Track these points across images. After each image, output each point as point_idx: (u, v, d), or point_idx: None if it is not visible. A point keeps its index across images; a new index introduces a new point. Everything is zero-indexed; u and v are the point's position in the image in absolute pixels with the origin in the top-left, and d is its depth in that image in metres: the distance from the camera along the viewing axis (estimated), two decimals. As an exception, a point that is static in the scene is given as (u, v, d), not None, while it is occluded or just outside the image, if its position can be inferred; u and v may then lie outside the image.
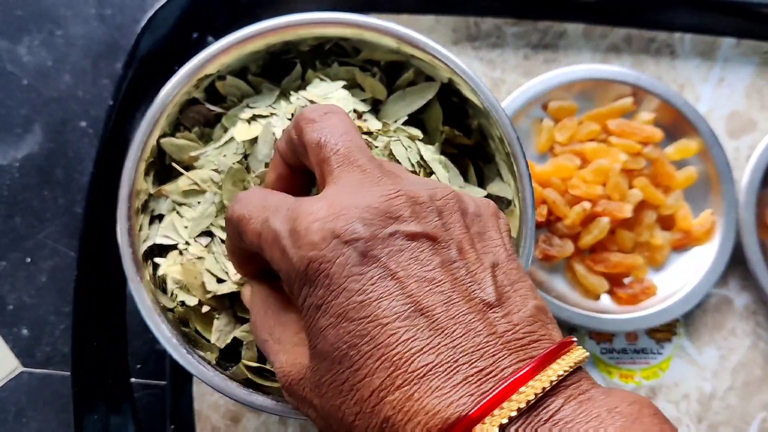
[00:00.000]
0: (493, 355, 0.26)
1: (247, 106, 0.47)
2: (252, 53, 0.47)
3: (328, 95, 0.46)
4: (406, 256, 0.28)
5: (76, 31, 0.60)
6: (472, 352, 0.26)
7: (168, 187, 0.46)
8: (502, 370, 0.26)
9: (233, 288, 0.43)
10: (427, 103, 0.49)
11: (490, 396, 0.25)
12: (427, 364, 0.26)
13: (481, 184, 0.49)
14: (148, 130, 0.44)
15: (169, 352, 0.43)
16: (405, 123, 0.48)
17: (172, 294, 0.44)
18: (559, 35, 0.58)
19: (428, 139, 0.49)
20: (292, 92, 0.47)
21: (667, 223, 0.56)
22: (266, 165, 0.44)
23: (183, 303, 0.44)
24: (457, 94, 0.47)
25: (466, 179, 0.49)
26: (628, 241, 0.54)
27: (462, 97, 0.47)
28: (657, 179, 0.55)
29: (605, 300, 0.55)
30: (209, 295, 0.44)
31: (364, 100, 0.48)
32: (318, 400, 0.28)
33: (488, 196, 0.49)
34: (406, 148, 0.45)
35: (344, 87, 0.47)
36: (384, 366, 0.26)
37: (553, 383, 0.25)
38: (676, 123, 0.56)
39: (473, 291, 0.28)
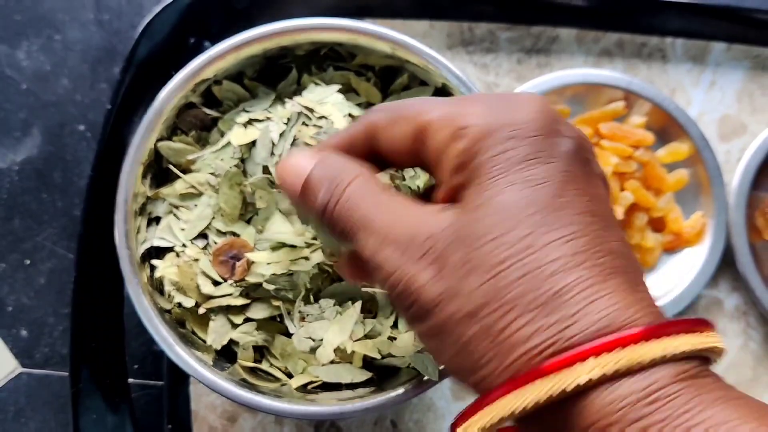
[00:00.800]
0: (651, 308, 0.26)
1: (244, 110, 0.48)
2: (248, 58, 0.47)
3: (323, 99, 0.47)
4: (596, 181, 0.28)
5: (74, 36, 0.60)
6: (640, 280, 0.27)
7: (165, 190, 0.47)
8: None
9: (229, 291, 0.44)
10: (421, 107, 0.49)
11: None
12: (612, 267, 0.25)
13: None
14: (146, 133, 0.45)
15: (166, 353, 0.43)
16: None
17: (169, 296, 0.45)
18: (552, 40, 0.59)
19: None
20: (287, 97, 0.47)
21: (658, 225, 0.57)
22: (263, 169, 0.45)
23: (180, 305, 0.45)
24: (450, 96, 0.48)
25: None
26: (620, 243, 0.55)
27: (455, 102, 0.48)
28: (648, 182, 0.56)
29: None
30: (202, 298, 0.44)
31: (359, 105, 0.49)
32: (463, 251, 0.26)
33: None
34: None
35: (339, 91, 0.48)
36: (579, 243, 0.25)
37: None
38: (668, 126, 0.57)
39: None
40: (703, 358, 0.25)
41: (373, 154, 0.32)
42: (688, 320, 0.25)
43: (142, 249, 0.45)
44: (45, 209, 0.59)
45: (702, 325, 0.25)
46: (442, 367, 0.43)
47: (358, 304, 0.46)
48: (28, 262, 0.58)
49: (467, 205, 0.27)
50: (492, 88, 0.58)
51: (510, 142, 0.26)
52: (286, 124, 0.45)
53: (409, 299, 0.27)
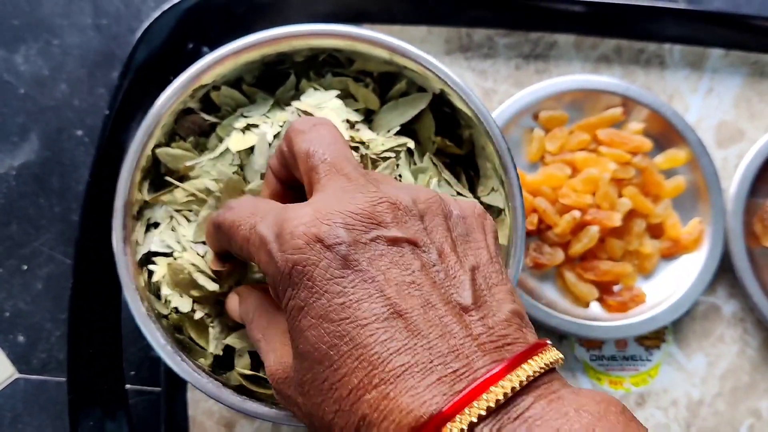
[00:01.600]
0: (467, 357, 0.27)
1: (242, 115, 0.48)
2: (247, 64, 0.47)
3: (321, 105, 0.47)
4: (386, 261, 0.29)
5: (72, 40, 0.60)
6: (447, 353, 0.27)
7: (165, 197, 0.47)
8: (475, 371, 0.27)
9: (226, 288, 0.44)
10: (419, 114, 0.49)
11: (462, 395, 0.26)
12: (403, 365, 0.27)
13: (473, 192, 0.50)
14: (144, 139, 0.45)
15: (163, 359, 0.43)
16: (397, 133, 0.48)
17: (165, 300, 0.45)
18: (550, 46, 0.59)
19: (421, 149, 0.49)
20: (286, 103, 0.47)
21: (656, 231, 0.57)
22: (262, 176, 0.45)
23: (177, 310, 0.45)
24: (449, 104, 0.48)
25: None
26: (618, 250, 0.55)
27: (453, 108, 0.48)
28: (646, 188, 0.56)
29: (595, 307, 0.56)
30: (198, 292, 0.44)
31: (357, 110, 0.49)
32: (301, 399, 0.29)
33: (480, 204, 0.49)
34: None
35: (338, 97, 0.47)
36: (362, 366, 0.27)
37: (523, 383, 0.26)
38: (665, 133, 0.57)
39: (451, 294, 0.29)
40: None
41: None
42: (528, 351, 0.28)
43: (139, 254, 0.45)
44: (42, 214, 0.59)
45: (539, 347, 0.28)
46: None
47: None
48: (25, 267, 0.58)
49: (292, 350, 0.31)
50: (490, 94, 0.58)
51: (288, 291, 0.30)
52: (282, 126, 0.45)
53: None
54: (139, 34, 0.54)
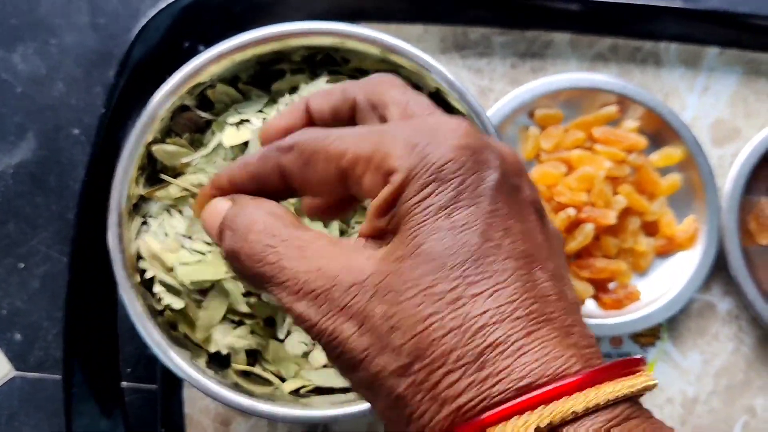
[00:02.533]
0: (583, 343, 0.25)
1: (236, 111, 0.48)
2: (242, 62, 0.47)
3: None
4: (527, 212, 0.27)
5: (69, 39, 0.60)
6: (574, 320, 0.25)
7: (160, 193, 0.47)
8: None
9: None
10: (414, 111, 0.49)
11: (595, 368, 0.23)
12: (545, 314, 0.24)
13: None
14: (140, 136, 0.45)
15: (159, 357, 0.43)
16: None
17: (158, 298, 0.45)
18: (546, 44, 0.59)
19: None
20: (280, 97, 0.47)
21: (651, 229, 0.57)
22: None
23: (170, 307, 0.45)
24: (444, 103, 0.48)
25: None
26: (613, 247, 0.55)
27: (449, 106, 0.48)
28: (641, 186, 0.56)
29: (590, 305, 0.56)
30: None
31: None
32: (384, 307, 0.25)
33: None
34: None
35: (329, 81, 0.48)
36: (506, 291, 0.24)
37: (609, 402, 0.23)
38: (661, 131, 0.57)
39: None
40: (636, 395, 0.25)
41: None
42: (620, 362, 0.24)
43: (134, 247, 0.45)
44: (39, 213, 0.59)
45: (634, 364, 0.25)
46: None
47: None
48: (22, 265, 0.58)
49: (391, 253, 0.26)
50: (486, 92, 0.58)
51: (431, 186, 0.25)
52: None
53: (335, 351, 0.26)
54: (135, 32, 0.54)
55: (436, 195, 0.25)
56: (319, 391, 0.46)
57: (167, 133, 0.47)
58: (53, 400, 0.56)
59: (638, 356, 0.25)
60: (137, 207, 0.47)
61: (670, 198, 0.57)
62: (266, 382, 0.47)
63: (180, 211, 0.47)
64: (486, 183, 0.26)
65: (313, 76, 0.49)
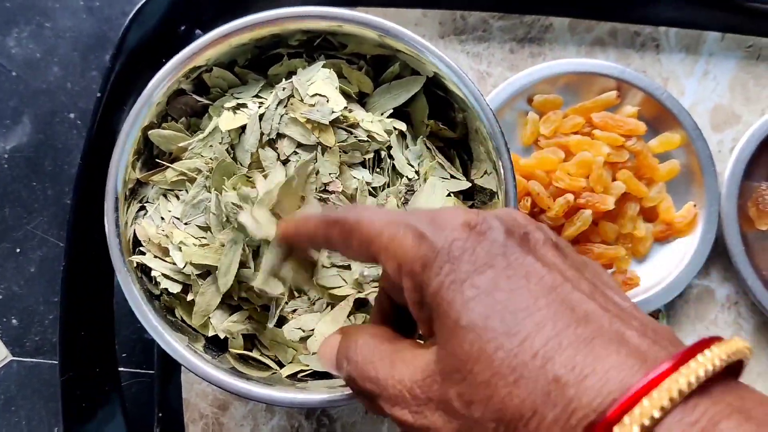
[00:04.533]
0: (648, 342, 0.26)
1: (233, 95, 0.48)
2: (239, 46, 0.47)
3: (311, 78, 0.46)
4: (544, 251, 0.29)
5: (64, 23, 0.60)
6: (628, 325, 0.26)
7: (156, 178, 0.47)
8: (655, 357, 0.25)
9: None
10: (412, 97, 0.49)
11: (662, 369, 0.24)
12: (591, 331, 0.25)
13: (466, 176, 0.50)
14: (136, 120, 0.45)
15: (156, 341, 0.43)
16: (391, 116, 0.48)
17: (155, 282, 0.45)
18: (545, 29, 0.59)
19: (414, 132, 0.49)
20: (278, 84, 0.47)
21: (649, 214, 0.56)
22: (251, 155, 0.45)
23: (167, 291, 0.45)
24: (442, 87, 0.48)
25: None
26: (611, 233, 0.55)
27: (447, 91, 0.48)
28: (640, 172, 0.56)
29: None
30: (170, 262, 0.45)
31: (353, 95, 0.48)
32: (456, 388, 0.27)
33: (473, 186, 0.49)
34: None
35: (325, 66, 0.47)
36: (547, 327, 0.25)
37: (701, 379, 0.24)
38: (660, 116, 0.56)
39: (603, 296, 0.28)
40: (733, 369, 0.25)
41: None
42: (703, 341, 0.25)
43: (131, 232, 0.45)
44: (35, 198, 0.58)
45: (716, 339, 0.26)
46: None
47: (351, 298, 0.46)
48: (18, 250, 0.58)
49: (439, 339, 0.28)
50: (484, 76, 0.58)
51: (446, 266, 0.28)
52: (277, 104, 0.45)
53: None
54: (131, 16, 0.54)
55: (454, 273, 0.28)
56: (317, 375, 0.46)
57: (164, 117, 0.47)
58: (49, 384, 0.56)
59: (712, 336, 0.26)
60: (134, 192, 0.46)
61: (669, 183, 0.56)
62: (264, 367, 0.46)
63: (177, 196, 0.47)
64: (494, 244, 0.28)
65: (311, 60, 0.49)
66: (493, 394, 0.25)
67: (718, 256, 0.57)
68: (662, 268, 0.56)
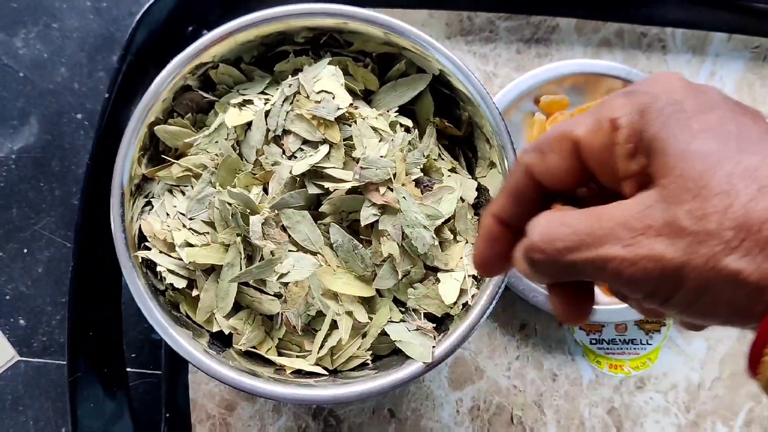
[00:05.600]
0: None
1: (239, 92, 0.48)
2: (245, 43, 0.48)
3: (317, 75, 0.47)
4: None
5: (71, 23, 0.61)
6: None
7: (162, 173, 0.47)
8: None
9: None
10: (418, 95, 0.50)
11: None
12: None
13: (471, 173, 0.50)
14: (142, 115, 0.45)
15: (161, 336, 0.43)
16: (396, 113, 0.49)
17: (160, 277, 0.45)
18: (552, 30, 0.59)
19: (420, 130, 0.50)
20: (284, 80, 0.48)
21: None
22: (257, 152, 0.45)
23: (172, 286, 0.45)
24: (448, 85, 0.48)
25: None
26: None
27: (452, 88, 0.48)
28: (647, 171, 0.56)
29: (595, 291, 0.56)
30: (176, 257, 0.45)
31: (358, 92, 0.49)
32: (685, 206, 0.26)
33: (478, 185, 0.50)
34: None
35: (331, 63, 0.48)
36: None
37: None
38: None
39: None
40: None
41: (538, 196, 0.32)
42: None
43: (136, 228, 0.46)
44: (43, 198, 0.59)
45: None
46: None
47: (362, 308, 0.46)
48: (25, 251, 0.59)
49: (663, 173, 0.27)
50: (491, 77, 0.58)
51: (668, 108, 0.27)
52: (283, 101, 0.46)
53: (656, 277, 0.27)
54: (138, 17, 0.55)
55: (678, 112, 0.27)
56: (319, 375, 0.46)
57: (170, 113, 0.48)
58: (57, 384, 0.57)
59: None
60: (140, 187, 0.47)
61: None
62: (269, 363, 0.47)
63: (182, 191, 0.47)
64: (714, 95, 0.28)
65: (317, 57, 0.50)
66: (733, 202, 0.25)
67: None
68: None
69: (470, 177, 0.50)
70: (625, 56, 0.60)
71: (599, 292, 0.56)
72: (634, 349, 0.58)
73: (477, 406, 0.58)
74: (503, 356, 0.58)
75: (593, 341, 0.58)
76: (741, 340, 0.58)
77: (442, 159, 0.50)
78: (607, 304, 0.55)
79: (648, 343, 0.58)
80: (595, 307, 0.53)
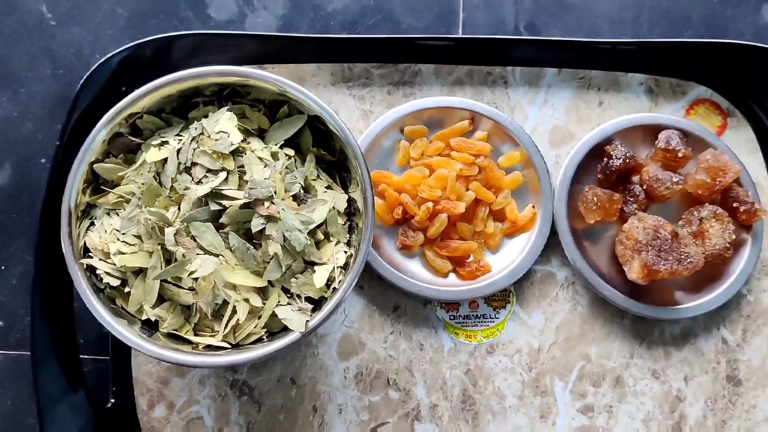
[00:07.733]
0: None
1: (159, 135, 0.61)
2: (165, 97, 0.60)
3: (218, 120, 0.59)
4: None
5: (35, 88, 0.73)
6: None
7: (101, 200, 0.60)
8: None
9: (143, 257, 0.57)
10: (300, 130, 0.62)
11: None
12: None
13: (345, 190, 0.63)
14: (84, 156, 0.57)
15: (103, 325, 0.55)
16: (283, 145, 0.61)
17: (99, 277, 0.58)
18: (415, 74, 0.72)
19: (302, 157, 0.63)
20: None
21: (499, 215, 0.70)
22: (172, 180, 0.58)
23: (109, 285, 0.58)
24: (323, 123, 0.61)
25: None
26: (467, 231, 0.68)
27: (326, 125, 0.61)
28: (489, 182, 0.69)
29: (452, 277, 0.68)
30: (120, 265, 0.57)
31: (251, 129, 0.62)
32: None
33: (349, 199, 0.62)
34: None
35: (230, 111, 0.60)
36: None
37: None
38: (505, 138, 0.70)
39: None
40: None
41: None
42: None
43: (82, 242, 0.59)
44: (15, 226, 0.71)
45: None
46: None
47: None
48: (3, 267, 0.71)
49: None
50: (368, 114, 0.72)
51: None
52: (191, 140, 0.58)
53: None
54: (82, 80, 0.65)
55: None
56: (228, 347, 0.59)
57: (106, 154, 0.60)
58: (29, 371, 0.67)
59: None
60: (85, 212, 0.59)
61: (515, 190, 0.70)
62: (187, 342, 0.59)
63: (117, 213, 0.59)
64: None
65: (221, 105, 0.62)
66: None
67: (557, 246, 0.69)
68: (510, 257, 0.69)
69: (343, 192, 0.63)
70: (474, 92, 0.72)
71: (455, 278, 0.68)
72: (485, 322, 0.69)
73: (360, 373, 0.68)
74: (381, 332, 0.69)
75: (452, 317, 0.69)
76: (573, 312, 0.69)
77: (320, 179, 0.62)
78: (460, 286, 0.67)
79: (496, 317, 0.69)
80: (452, 289, 0.66)
